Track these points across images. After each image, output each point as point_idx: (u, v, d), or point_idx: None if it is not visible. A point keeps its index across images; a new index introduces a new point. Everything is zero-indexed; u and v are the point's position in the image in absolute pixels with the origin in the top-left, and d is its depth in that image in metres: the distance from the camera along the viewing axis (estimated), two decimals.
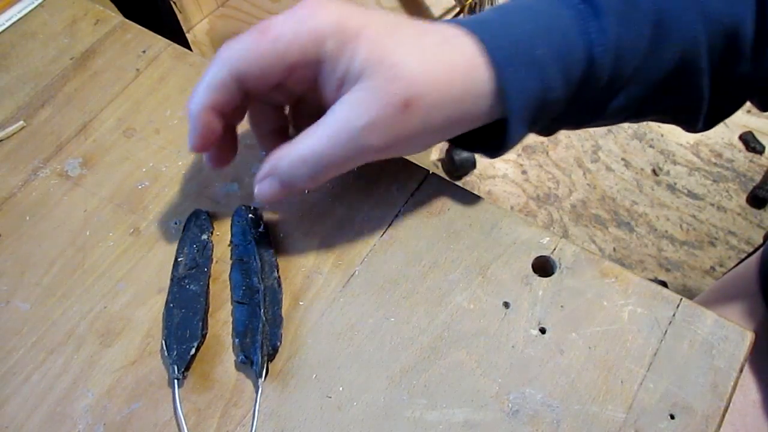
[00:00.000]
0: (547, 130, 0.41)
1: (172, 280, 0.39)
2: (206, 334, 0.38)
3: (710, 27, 0.37)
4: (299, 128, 0.35)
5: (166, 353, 0.37)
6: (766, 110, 0.44)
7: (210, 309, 0.39)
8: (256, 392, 0.36)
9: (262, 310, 0.37)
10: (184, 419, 0.35)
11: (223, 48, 0.33)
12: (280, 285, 0.39)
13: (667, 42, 0.36)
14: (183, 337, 0.37)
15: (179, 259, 0.40)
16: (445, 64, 0.33)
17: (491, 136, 0.37)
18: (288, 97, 0.38)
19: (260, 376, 0.36)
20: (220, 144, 0.37)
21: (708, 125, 0.43)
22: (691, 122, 0.43)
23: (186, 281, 0.39)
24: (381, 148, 0.33)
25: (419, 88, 0.32)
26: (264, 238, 0.40)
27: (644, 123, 1.53)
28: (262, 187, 0.35)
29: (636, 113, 0.41)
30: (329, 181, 0.43)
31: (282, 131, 0.40)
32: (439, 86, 0.33)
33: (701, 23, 0.36)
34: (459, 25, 0.35)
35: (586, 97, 0.37)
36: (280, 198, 0.36)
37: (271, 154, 0.35)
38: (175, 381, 0.36)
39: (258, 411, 0.35)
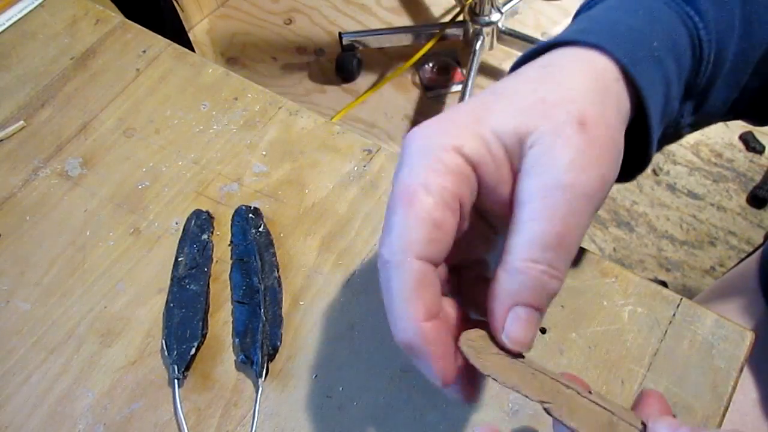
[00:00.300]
0: (667, 140, 0.37)
1: (172, 280, 0.39)
2: (206, 334, 0.38)
3: None
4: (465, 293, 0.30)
5: (166, 353, 0.37)
6: (763, 124, 0.41)
7: (210, 309, 0.39)
8: (256, 392, 0.36)
9: (262, 310, 0.37)
10: (184, 419, 0.35)
11: (381, 251, 0.26)
12: (280, 285, 0.39)
13: (758, 21, 0.33)
14: (183, 337, 0.37)
15: (179, 259, 0.40)
16: (580, 86, 0.28)
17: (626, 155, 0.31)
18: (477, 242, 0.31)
19: (260, 376, 0.36)
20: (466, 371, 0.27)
21: None
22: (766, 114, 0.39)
23: (186, 281, 0.39)
24: (597, 185, 0.27)
25: (578, 103, 0.27)
26: (264, 238, 0.40)
27: None
28: (514, 331, 0.26)
29: (730, 108, 0.37)
30: (330, 181, 0.43)
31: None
32: (592, 97, 0.28)
33: None
34: (558, 48, 0.30)
35: (692, 92, 0.34)
36: (537, 328, 0.27)
37: (494, 289, 0.27)
38: (175, 381, 0.36)
39: (258, 411, 0.35)
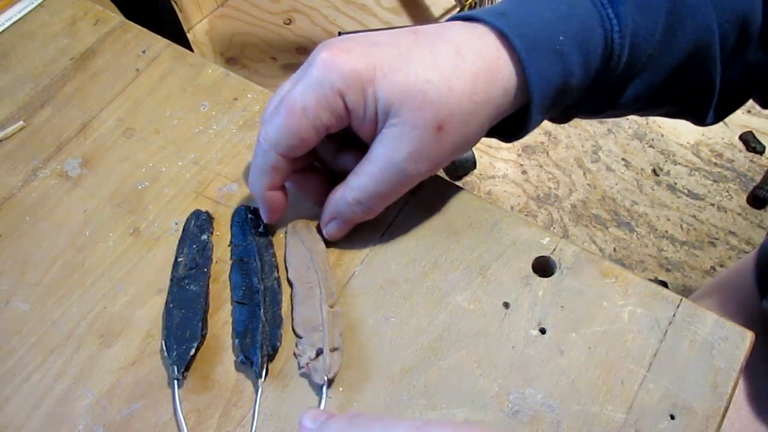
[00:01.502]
0: (563, 118, 0.42)
1: (172, 280, 0.39)
2: (206, 334, 0.38)
3: (722, 15, 0.37)
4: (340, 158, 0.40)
5: (166, 353, 0.37)
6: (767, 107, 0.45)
7: (210, 309, 0.39)
8: (256, 392, 0.36)
9: (261, 311, 0.37)
10: (184, 419, 0.35)
11: (261, 132, 0.36)
12: (280, 285, 0.39)
13: (681, 29, 0.37)
14: (183, 337, 0.37)
15: (179, 260, 0.40)
16: (467, 74, 0.34)
17: (508, 122, 0.38)
18: (329, 149, 0.40)
19: (260, 377, 0.36)
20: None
21: (717, 118, 0.44)
22: (701, 114, 0.43)
23: (186, 281, 0.39)
24: (425, 172, 0.36)
25: (447, 108, 0.34)
26: (264, 238, 0.40)
27: (644, 122, 1.53)
28: (330, 229, 0.40)
29: (649, 103, 0.41)
30: (329, 181, 0.43)
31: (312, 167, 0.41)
32: (465, 99, 0.34)
33: (714, 11, 0.37)
34: (474, 21, 0.36)
35: (603, 84, 0.38)
36: (346, 232, 0.40)
37: (330, 198, 0.38)
38: (175, 381, 0.36)
39: (258, 411, 0.35)
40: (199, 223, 0.41)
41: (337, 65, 0.34)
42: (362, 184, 0.36)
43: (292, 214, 0.42)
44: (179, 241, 0.41)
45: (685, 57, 0.38)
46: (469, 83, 0.34)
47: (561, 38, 0.35)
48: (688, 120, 0.45)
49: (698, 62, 0.39)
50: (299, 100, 0.34)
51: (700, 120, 0.44)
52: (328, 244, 0.40)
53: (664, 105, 0.43)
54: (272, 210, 0.39)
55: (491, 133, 0.40)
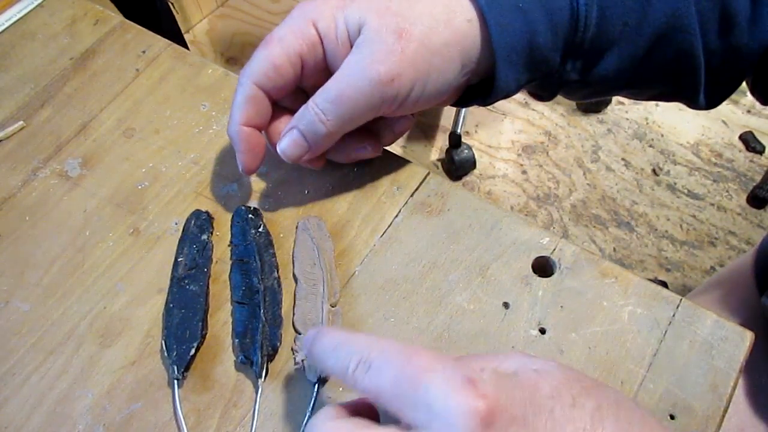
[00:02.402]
0: (547, 91, 0.42)
1: (171, 280, 0.39)
2: (206, 334, 0.38)
3: None
4: None
5: (165, 353, 0.37)
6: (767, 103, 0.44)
7: (210, 309, 0.39)
8: (256, 392, 0.36)
9: (261, 311, 0.37)
10: (184, 419, 0.35)
11: (242, 70, 0.37)
12: (280, 285, 0.39)
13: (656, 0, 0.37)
14: (183, 337, 0.37)
15: (179, 259, 0.40)
16: (432, 6, 0.36)
17: (486, 89, 0.39)
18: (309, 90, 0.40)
19: (260, 377, 0.36)
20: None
21: (710, 101, 0.44)
22: (691, 95, 0.43)
23: (186, 281, 0.39)
24: (389, 77, 0.35)
25: (408, 19, 0.35)
26: (264, 239, 0.40)
27: (644, 122, 1.53)
28: (284, 142, 0.38)
29: (634, 79, 0.41)
30: (329, 181, 0.43)
31: None
32: (425, 15, 0.35)
33: None
34: None
35: (577, 50, 0.38)
36: (303, 154, 0.38)
37: (301, 110, 0.37)
38: (175, 381, 0.36)
39: (258, 411, 0.35)
40: (199, 223, 0.41)
41: (310, 2, 0.36)
42: (326, 88, 0.36)
43: (302, 211, 0.42)
44: (179, 241, 0.41)
45: (663, 27, 0.38)
46: (432, 7, 0.36)
47: None
48: (680, 102, 0.45)
49: (677, 33, 0.38)
50: (275, 33, 0.36)
51: (692, 101, 0.44)
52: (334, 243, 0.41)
53: (650, 83, 0.42)
54: (247, 150, 0.39)
55: (467, 99, 0.40)
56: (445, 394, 0.25)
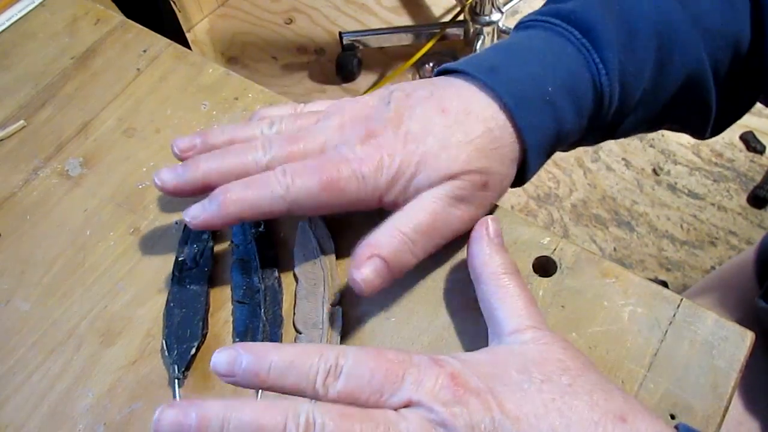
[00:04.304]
0: (565, 150, 0.43)
1: (172, 279, 0.39)
2: (206, 333, 0.38)
3: (713, 44, 0.39)
4: None
5: (166, 353, 0.37)
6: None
7: (210, 309, 0.39)
8: (257, 392, 0.36)
9: (262, 310, 0.37)
10: None
11: (291, 183, 0.35)
12: (280, 285, 0.39)
13: (671, 65, 0.39)
14: (183, 336, 0.37)
15: (180, 259, 0.40)
16: (493, 144, 0.36)
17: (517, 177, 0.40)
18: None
19: None
20: None
21: (716, 132, 0.45)
22: (700, 131, 0.45)
23: (186, 281, 0.39)
24: (470, 220, 0.37)
25: (488, 172, 0.36)
26: (264, 238, 0.40)
27: None
28: (366, 271, 0.34)
29: (648, 129, 0.43)
30: None
31: None
32: (495, 163, 0.36)
33: (703, 42, 0.38)
34: (468, 80, 0.37)
35: (599, 123, 0.39)
36: (383, 281, 0.35)
37: (366, 238, 0.35)
38: (176, 381, 0.36)
39: None
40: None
41: (382, 169, 0.35)
42: (408, 214, 0.36)
43: None
44: (180, 241, 0.41)
45: (679, 89, 0.40)
46: (497, 152, 0.36)
47: (550, 89, 0.36)
48: (686, 133, 0.46)
49: (693, 91, 0.40)
50: (343, 181, 0.35)
51: (699, 135, 0.46)
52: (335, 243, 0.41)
53: (661, 126, 0.45)
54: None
55: None
56: (418, 378, 0.29)
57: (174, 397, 0.36)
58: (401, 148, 0.36)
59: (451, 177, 0.35)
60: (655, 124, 0.44)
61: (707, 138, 0.46)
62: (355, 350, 0.29)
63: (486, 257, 0.35)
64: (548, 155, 0.39)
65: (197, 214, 0.35)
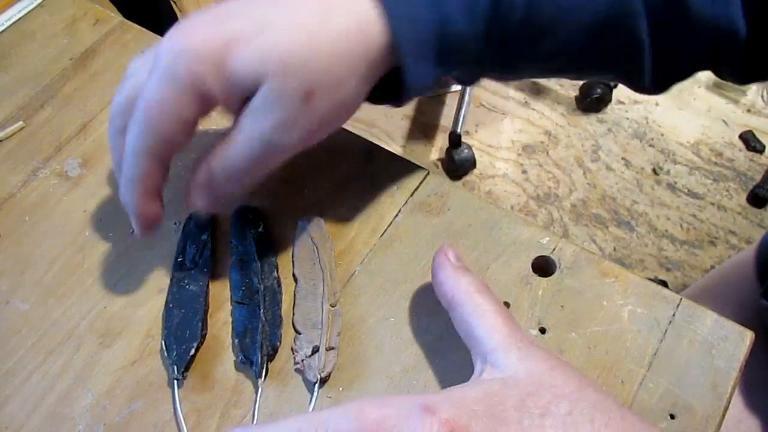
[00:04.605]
0: (470, 75, 0.38)
1: (171, 280, 0.39)
2: (206, 334, 0.38)
3: None
4: None
5: (165, 354, 0.37)
6: (743, 82, 0.42)
7: (210, 309, 0.39)
8: (256, 393, 0.36)
9: (261, 311, 0.37)
10: (184, 419, 0.35)
11: (128, 137, 0.33)
12: (280, 285, 0.39)
13: None
14: (183, 337, 0.37)
15: (179, 260, 0.40)
16: (335, 35, 0.31)
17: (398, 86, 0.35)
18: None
19: (260, 377, 0.36)
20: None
21: (658, 85, 0.40)
22: (635, 78, 0.40)
23: (186, 281, 0.39)
24: (298, 143, 0.33)
25: (315, 74, 0.31)
26: (264, 238, 0.40)
27: (644, 122, 1.53)
28: (195, 200, 0.35)
29: (572, 62, 0.38)
30: (329, 181, 0.43)
31: None
32: (334, 61, 0.31)
33: None
34: None
35: (503, 35, 0.35)
36: (215, 206, 0.36)
37: (198, 168, 0.34)
38: (175, 381, 0.36)
39: (258, 411, 0.35)
40: (200, 223, 0.41)
41: (187, 49, 0.30)
42: (230, 156, 0.33)
43: (302, 211, 0.42)
44: (179, 241, 0.41)
45: (604, 12, 0.35)
46: (338, 44, 0.31)
47: None
48: (624, 84, 0.42)
49: (620, 18, 0.35)
50: (155, 96, 0.31)
51: (636, 85, 0.40)
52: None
53: (589, 67, 0.40)
54: (146, 225, 0.36)
55: (377, 99, 0.37)
56: (410, 430, 0.25)
57: (174, 397, 0.36)
58: (208, 23, 0.31)
59: (259, 78, 0.31)
60: (578, 62, 0.38)
61: (648, 92, 0.40)
62: (329, 414, 0.27)
63: (454, 281, 0.34)
64: (439, 64, 0.34)
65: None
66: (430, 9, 0.32)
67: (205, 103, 0.32)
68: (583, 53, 0.37)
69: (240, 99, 0.32)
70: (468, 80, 0.39)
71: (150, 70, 0.32)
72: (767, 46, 0.37)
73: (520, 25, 0.34)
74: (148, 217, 0.35)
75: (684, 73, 0.40)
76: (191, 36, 0.31)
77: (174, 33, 0.31)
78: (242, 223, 0.41)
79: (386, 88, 0.36)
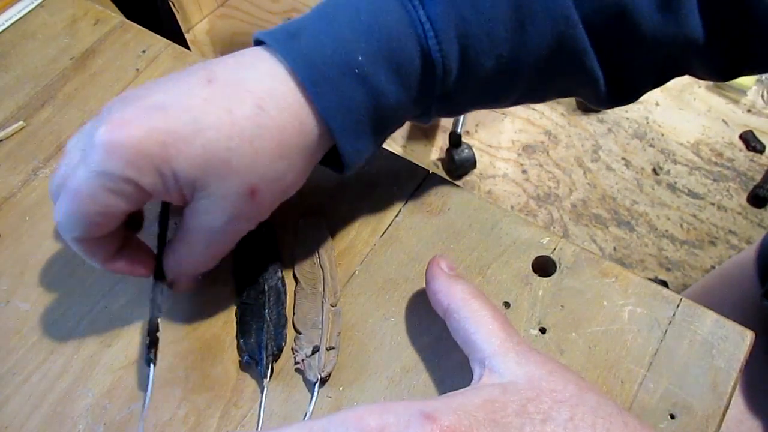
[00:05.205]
0: (420, 121, 0.38)
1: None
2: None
3: (585, 6, 0.34)
4: None
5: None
6: (723, 80, 0.41)
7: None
8: (261, 393, 0.36)
9: (266, 311, 0.37)
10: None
11: (60, 227, 0.32)
12: (284, 284, 0.39)
13: (533, 26, 0.33)
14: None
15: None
16: (272, 132, 0.31)
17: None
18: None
19: (265, 377, 0.36)
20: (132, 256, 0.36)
21: (623, 98, 0.40)
22: (594, 100, 0.40)
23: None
24: (250, 227, 0.34)
25: (255, 173, 0.31)
26: (268, 238, 0.40)
27: (644, 122, 1.53)
28: (178, 287, 0.37)
29: (525, 97, 0.39)
30: (330, 181, 0.43)
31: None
32: (275, 158, 0.31)
33: (572, 2, 0.34)
34: (267, 49, 0.33)
35: (438, 93, 0.35)
36: (191, 286, 0.37)
37: (165, 263, 0.36)
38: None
39: (263, 411, 0.35)
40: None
41: (120, 149, 0.29)
42: (189, 251, 0.34)
43: (302, 211, 0.42)
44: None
45: (547, 53, 0.34)
46: (275, 141, 0.31)
47: (360, 59, 0.31)
48: (586, 101, 0.41)
49: (567, 56, 0.35)
50: (84, 189, 0.30)
51: (596, 101, 0.40)
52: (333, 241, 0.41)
53: (544, 98, 0.40)
54: (129, 272, 0.35)
55: (324, 163, 0.37)
56: None
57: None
58: (145, 118, 0.30)
59: (201, 180, 0.31)
60: (534, 95, 0.39)
61: (608, 106, 0.40)
62: (335, 425, 0.26)
63: (448, 288, 0.34)
64: (378, 134, 0.35)
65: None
66: (359, 90, 0.32)
67: (137, 201, 0.31)
68: (531, 90, 0.38)
69: (178, 195, 0.32)
70: (421, 123, 0.39)
71: (82, 156, 0.30)
72: (733, 42, 0.37)
73: (458, 82, 0.34)
74: (124, 271, 0.35)
75: (648, 84, 0.40)
76: (127, 131, 0.29)
77: (108, 123, 0.30)
78: None
79: (330, 157, 0.36)
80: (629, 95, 0.40)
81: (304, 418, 0.35)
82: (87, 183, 0.30)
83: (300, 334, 0.37)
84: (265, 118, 0.31)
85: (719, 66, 0.39)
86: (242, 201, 0.32)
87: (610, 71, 0.37)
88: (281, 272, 0.39)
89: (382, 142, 0.37)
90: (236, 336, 0.38)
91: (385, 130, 0.35)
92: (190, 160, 0.30)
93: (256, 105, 0.31)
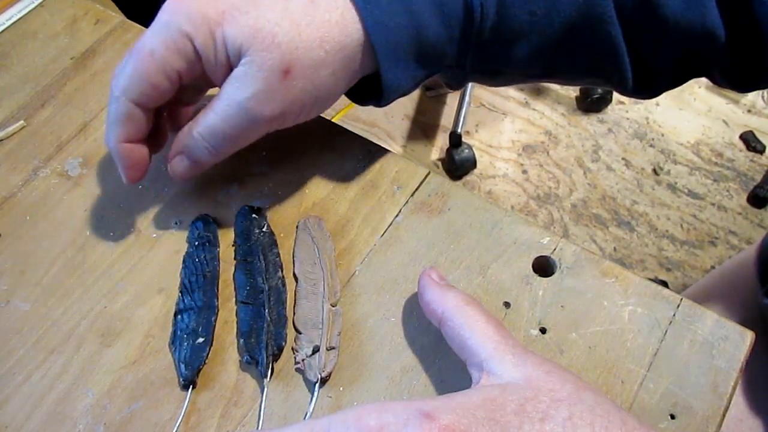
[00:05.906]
0: (455, 80, 0.40)
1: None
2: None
3: None
4: None
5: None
6: (741, 90, 0.42)
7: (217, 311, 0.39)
8: (262, 392, 0.36)
9: (266, 310, 0.37)
10: (182, 420, 0.35)
11: (113, 81, 0.35)
12: (284, 285, 0.39)
13: None
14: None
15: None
16: (318, 22, 0.34)
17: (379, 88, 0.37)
18: (195, 93, 0.41)
19: (265, 376, 0.36)
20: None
21: (645, 90, 0.41)
22: (619, 82, 0.41)
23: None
24: (273, 117, 0.35)
25: (295, 53, 0.34)
26: (268, 238, 0.40)
27: (645, 122, 1.53)
28: (176, 165, 0.39)
29: (551, 67, 0.40)
30: (330, 181, 0.43)
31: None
32: (314, 46, 0.34)
33: None
34: None
35: (478, 39, 0.37)
36: (193, 173, 0.39)
37: (179, 133, 0.37)
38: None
39: (263, 411, 0.35)
40: (205, 228, 0.41)
41: (184, 8, 0.34)
42: (209, 121, 0.36)
43: (302, 211, 0.42)
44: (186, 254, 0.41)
45: (575, 16, 0.36)
46: (320, 31, 0.34)
47: None
48: (611, 88, 0.43)
49: (592, 22, 0.36)
50: (147, 44, 0.34)
51: (623, 89, 0.42)
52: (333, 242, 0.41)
53: (570, 72, 0.41)
54: (129, 166, 0.38)
55: (361, 98, 0.40)
56: None
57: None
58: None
59: (244, 48, 0.33)
60: (555, 67, 0.40)
61: (643, 96, 0.42)
62: (335, 425, 0.27)
63: (440, 297, 0.34)
64: (417, 66, 0.36)
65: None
66: (403, 16, 0.34)
67: (190, 62, 0.34)
68: (559, 58, 0.39)
69: (222, 65, 0.34)
70: (454, 83, 0.41)
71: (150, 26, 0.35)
72: (750, 49, 0.38)
73: (494, 31, 0.36)
74: (130, 159, 0.37)
75: (669, 77, 0.41)
76: (193, 0, 0.34)
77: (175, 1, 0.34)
78: (246, 223, 0.41)
79: (369, 88, 0.38)
80: (651, 86, 0.41)
81: (304, 418, 0.35)
82: (151, 38, 0.34)
83: (300, 334, 0.37)
84: (315, 10, 0.34)
85: (737, 74, 0.40)
86: (275, 77, 0.34)
87: (635, 54, 0.38)
88: (281, 272, 0.39)
89: (419, 83, 0.38)
90: (236, 336, 0.38)
91: (423, 65, 0.37)
92: (241, 27, 0.33)
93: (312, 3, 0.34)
